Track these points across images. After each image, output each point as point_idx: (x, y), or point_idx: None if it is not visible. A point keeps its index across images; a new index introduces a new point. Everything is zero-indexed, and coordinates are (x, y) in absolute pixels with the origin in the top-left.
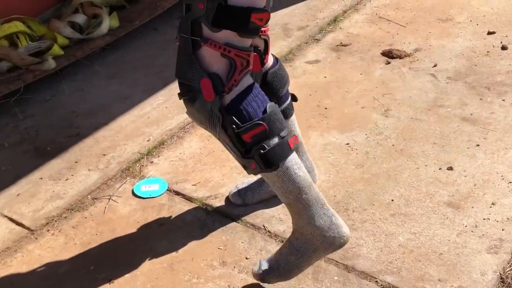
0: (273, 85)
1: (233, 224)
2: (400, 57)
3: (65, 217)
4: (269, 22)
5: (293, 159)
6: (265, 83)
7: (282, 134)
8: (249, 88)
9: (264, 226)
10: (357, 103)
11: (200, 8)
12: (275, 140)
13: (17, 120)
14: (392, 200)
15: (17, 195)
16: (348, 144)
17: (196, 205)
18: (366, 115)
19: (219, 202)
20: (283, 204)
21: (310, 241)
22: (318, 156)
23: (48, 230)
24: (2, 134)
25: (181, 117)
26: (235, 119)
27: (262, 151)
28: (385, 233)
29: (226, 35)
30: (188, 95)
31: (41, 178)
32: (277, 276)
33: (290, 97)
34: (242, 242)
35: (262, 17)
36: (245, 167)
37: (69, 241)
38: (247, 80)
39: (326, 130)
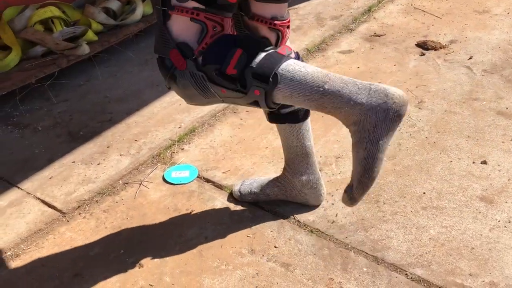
0: None
1: (262, 212)
2: (435, 48)
3: (96, 201)
4: (303, 11)
5: (291, 62)
6: None
7: (269, 49)
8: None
9: (293, 215)
10: None
11: None
12: (261, 55)
13: (51, 104)
14: (424, 193)
15: (50, 178)
16: None
17: (226, 193)
18: None
19: None
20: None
21: (364, 125)
22: (350, 147)
23: (79, 213)
24: (36, 118)
25: (212, 105)
26: (212, 65)
27: (252, 72)
28: (416, 226)
29: (194, 4)
30: (167, 74)
31: (73, 162)
32: (362, 181)
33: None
34: (271, 231)
35: None
36: (255, 102)
37: (100, 224)
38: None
39: None
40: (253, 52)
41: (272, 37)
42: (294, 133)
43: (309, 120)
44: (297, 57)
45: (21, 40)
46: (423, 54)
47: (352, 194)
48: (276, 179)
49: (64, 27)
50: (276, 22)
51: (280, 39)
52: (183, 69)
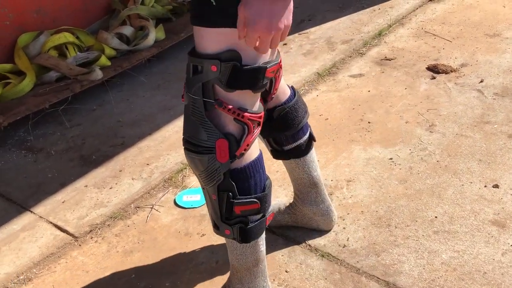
0: (282, 123)
1: (273, 236)
2: (445, 72)
3: (108, 225)
4: (314, 35)
5: (263, 235)
6: (273, 119)
7: (267, 213)
8: (257, 160)
9: (304, 240)
10: (401, 117)
11: (213, 70)
12: (258, 217)
13: (64, 128)
14: (436, 217)
15: (62, 202)
16: (391, 159)
17: None
18: (410, 130)
19: None
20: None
21: None
22: (361, 170)
23: (91, 237)
24: (49, 142)
25: None
26: (235, 188)
27: (244, 227)
28: (428, 250)
29: (239, 95)
30: (195, 148)
31: (86, 186)
32: None
33: (309, 134)
34: (282, 255)
35: (275, 69)
36: (216, 227)
37: (111, 248)
38: (256, 149)
39: (369, 145)
40: (260, 212)
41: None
42: (300, 166)
43: (313, 150)
44: (293, 93)
45: (35, 65)
46: (434, 78)
47: None
48: (287, 207)
49: (78, 53)
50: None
51: (273, 82)
52: (221, 161)
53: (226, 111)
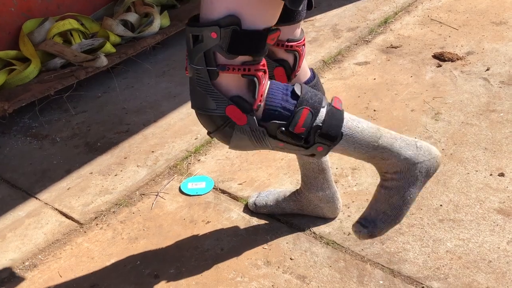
0: None
1: (278, 224)
2: (451, 60)
3: (113, 211)
4: (319, 23)
5: (348, 118)
6: None
7: (324, 103)
8: (270, 87)
9: (309, 227)
10: (406, 105)
11: (213, 37)
12: (323, 112)
13: (69, 115)
14: (441, 205)
15: (68, 188)
16: None
17: (242, 204)
18: (415, 118)
19: None
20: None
21: (406, 176)
22: None
23: (96, 224)
24: (54, 129)
25: None
26: (278, 122)
27: (319, 131)
28: (432, 238)
29: (241, 58)
30: (219, 130)
31: (91, 173)
32: (387, 221)
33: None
34: (287, 243)
35: (275, 37)
36: (313, 155)
37: (116, 235)
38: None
39: None
40: (317, 109)
41: (290, 58)
42: None
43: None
44: (313, 74)
45: (40, 52)
46: (440, 66)
47: (374, 233)
48: (293, 194)
49: (83, 39)
50: (292, 44)
51: (297, 59)
52: (243, 124)
53: (231, 70)
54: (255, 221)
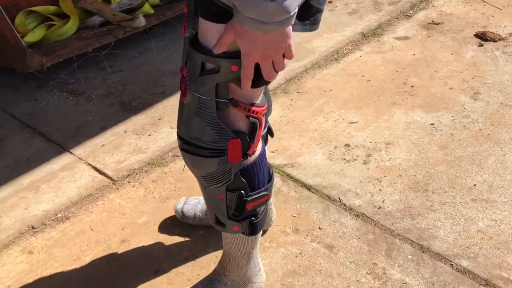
0: None
1: (309, 193)
2: (494, 40)
3: (145, 170)
4: None
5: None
6: None
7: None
8: (263, 152)
9: (339, 199)
10: (445, 83)
11: (233, 70)
12: (264, 206)
13: (106, 74)
14: (475, 185)
15: (102, 145)
16: (432, 124)
17: (274, 172)
18: (453, 96)
19: (295, 171)
20: (360, 179)
21: (237, 286)
22: (401, 134)
23: (129, 182)
24: (91, 86)
25: None
26: (247, 185)
27: (254, 220)
28: (464, 217)
29: (248, 93)
30: (200, 152)
31: (125, 132)
32: None
33: (267, 129)
34: (316, 212)
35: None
36: (221, 224)
37: (148, 194)
38: (261, 143)
39: (411, 109)
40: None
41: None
42: None
43: (267, 147)
44: (269, 130)
45: (79, 9)
46: (482, 45)
47: None
48: None
49: None
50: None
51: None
52: (234, 162)
53: (242, 110)
54: (285, 189)
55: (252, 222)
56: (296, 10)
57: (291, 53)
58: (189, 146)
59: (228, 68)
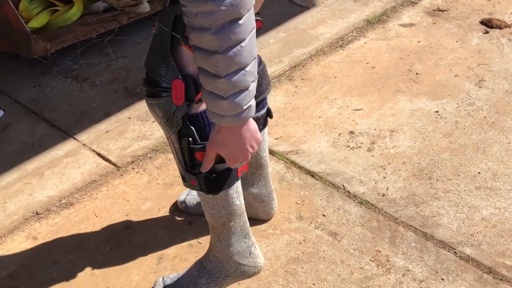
0: None
1: (313, 180)
2: (499, 27)
3: (150, 157)
4: None
5: (235, 187)
6: None
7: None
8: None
9: (343, 186)
10: (450, 70)
11: None
12: (225, 165)
13: (110, 60)
14: (479, 172)
15: (106, 131)
16: (437, 112)
17: (277, 159)
18: (458, 84)
19: (299, 158)
20: (364, 166)
21: (224, 266)
22: (405, 121)
23: (133, 168)
24: (95, 72)
25: (268, 70)
26: (195, 133)
27: (208, 175)
28: (468, 205)
29: None
30: (153, 88)
31: (129, 118)
32: None
33: (266, 110)
34: (320, 199)
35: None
36: (183, 179)
37: (152, 180)
38: None
39: (416, 96)
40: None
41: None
42: None
43: (266, 129)
44: (259, 61)
45: None
46: (487, 32)
47: None
48: None
49: None
50: None
51: None
52: (177, 104)
53: (192, 49)
54: (289, 176)
55: (207, 178)
56: (251, 103)
57: (255, 150)
58: (146, 84)
59: None
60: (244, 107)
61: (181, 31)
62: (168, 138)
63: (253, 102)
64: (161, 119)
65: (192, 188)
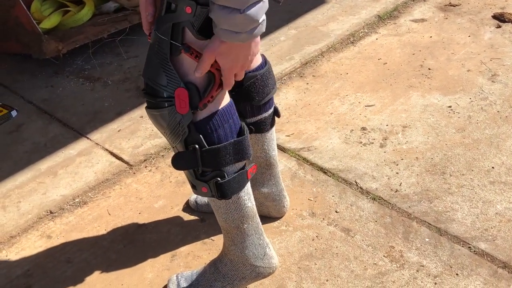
0: (250, 91)
1: (325, 177)
2: None
3: (162, 155)
4: None
5: (245, 189)
6: (241, 86)
7: (243, 164)
8: (226, 108)
9: (356, 182)
10: (462, 65)
11: (187, 12)
12: (235, 168)
13: (121, 59)
14: (493, 167)
15: (118, 130)
16: (450, 107)
17: (289, 156)
18: (471, 78)
19: (311, 155)
20: (377, 162)
21: (239, 269)
22: (418, 117)
23: (145, 167)
24: (107, 72)
25: (278, 68)
26: (202, 140)
27: (219, 180)
28: (482, 200)
29: (202, 43)
30: (154, 99)
31: (141, 117)
32: None
33: (273, 110)
34: (333, 196)
35: None
36: (193, 187)
37: (165, 178)
38: (225, 98)
39: (428, 91)
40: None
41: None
42: (259, 143)
43: (274, 128)
44: (264, 61)
45: None
46: (500, 27)
47: None
48: None
49: None
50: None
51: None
52: (181, 113)
53: (193, 57)
54: (301, 172)
55: (219, 183)
56: (264, 17)
57: (250, 65)
58: (147, 95)
59: (183, 9)
60: (260, 20)
61: (180, 39)
62: (173, 148)
63: (265, 16)
64: (166, 130)
65: (204, 195)
